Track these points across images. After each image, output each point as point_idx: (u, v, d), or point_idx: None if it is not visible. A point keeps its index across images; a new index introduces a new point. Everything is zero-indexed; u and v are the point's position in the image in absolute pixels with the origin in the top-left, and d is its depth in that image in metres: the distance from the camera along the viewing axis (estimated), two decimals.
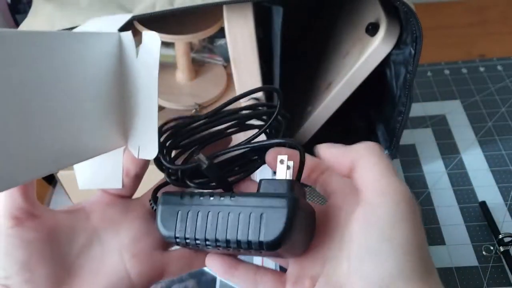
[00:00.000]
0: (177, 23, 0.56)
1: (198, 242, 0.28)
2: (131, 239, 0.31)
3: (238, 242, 0.27)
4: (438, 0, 0.89)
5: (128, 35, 0.32)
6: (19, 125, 0.24)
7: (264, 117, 0.34)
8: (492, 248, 0.51)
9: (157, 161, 0.32)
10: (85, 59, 0.29)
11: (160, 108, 0.66)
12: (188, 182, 0.32)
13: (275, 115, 0.33)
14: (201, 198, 0.28)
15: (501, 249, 0.51)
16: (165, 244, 0.32)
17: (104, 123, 0.30)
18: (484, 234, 0.53)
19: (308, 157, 0.32)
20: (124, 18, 0.34)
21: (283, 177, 0.29)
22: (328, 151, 0.29)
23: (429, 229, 0.54)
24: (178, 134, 0.34)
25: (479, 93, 0.70)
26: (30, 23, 0.50)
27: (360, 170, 0.27)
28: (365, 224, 0.25)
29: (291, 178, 0.29)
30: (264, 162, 0.33)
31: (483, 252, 0.51)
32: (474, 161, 0.61)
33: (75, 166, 0.33)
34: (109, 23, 0.33)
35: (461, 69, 0.75)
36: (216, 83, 0.65)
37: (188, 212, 0.28)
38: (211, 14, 0.56)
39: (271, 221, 0.26)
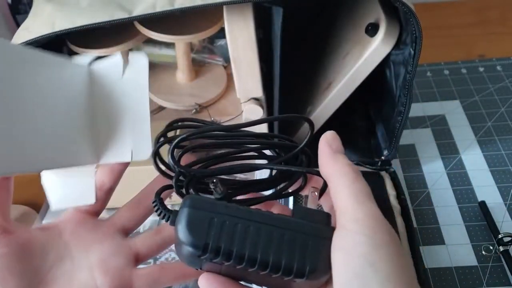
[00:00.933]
0: (177, 24, 0.56)
1: (229, 257, 0.25)
2: (101, 259, 0.32)
3: (277, 265, 0.25)
4: (438, 0, 0.89)
5: (116, 58, 0.34)
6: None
7: (277, 150, 0.33)
8: (491, 247, 0.52)
9: (161, 161, 0.30)
10: (59, 78, 0.31)
11: (161, 108, 0.66)
12: (191, 191, 0.29)
13: (297, 149, 0.31)
14: (239, 209, 0.26)
15: (501, 248, 0.51)
16: (134, 261, 0.33)
17: (75, 137, 0.32)
18: (483, 234, 0.53)
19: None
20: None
21: (314, 206, 0.28)
22: (322, 147, 0.28)
23: (429, 229, 0.54)
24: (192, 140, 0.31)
25: (479, 93, 0.70)
26: (30, 24, 0.50)
27: (334, 188, 0.27)
28: (345, 250, 0.25)
29: (328, 212, 0.28)
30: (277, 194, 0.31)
31: (483, 252, 0.51)
32: (474, 161, 0.61)
33: (46, 187, 0.34)
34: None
35: (460, 69, 0.75)
36: (216, 83, 0.65)
37: (225, 221, 0.25)
38: (211, 14, 0.56)
39: (316, 249, 0.25)
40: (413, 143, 0.64)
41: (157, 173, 0.31)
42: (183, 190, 0.30)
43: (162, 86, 0.65)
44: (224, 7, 0.47)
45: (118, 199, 0.57)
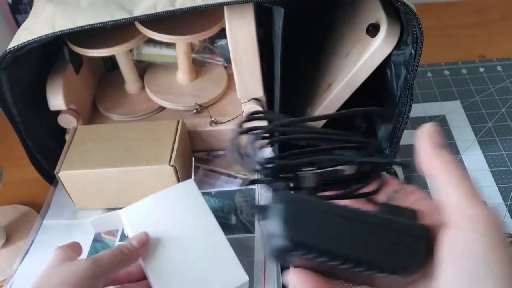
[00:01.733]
0: (178, 24, 0.56)
1: (323, 253, 0.25)
2: None
3: (370, 262, 0.25)
4: (438, 1, 0.89)
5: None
6: None
7: (354, 151, 0.32)
8: None
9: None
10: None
11: (161, 108, 0.66)
12: (277, 183, 0.29)
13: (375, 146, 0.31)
14: (330, 205, 0.26)
15: None
16: None
17: None
18: None
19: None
20: None
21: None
22: (424, 141, 0.28)
23: None
24: (288, 132, 0.31)
25: (479, 93, 0.71)
26: (31, 23, 0.50)
27: (441, 185, 0.26)
28: (458, 248, 0.24)
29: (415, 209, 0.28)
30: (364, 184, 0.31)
31: None
32: (474, 161, 0.61)
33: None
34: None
35: (461, 69, 0.75)
36: (217, 83, 0.65)
37: (317, 217, 0.25)
38: (212, 14, 0.56)
39: (410, 247, 0.25)
40: (413, 143, 0.64)
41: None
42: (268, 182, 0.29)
43: (163, 86, 0.65)
44: (225, 7, 0.47)
45: (118, 199, 0.57)
